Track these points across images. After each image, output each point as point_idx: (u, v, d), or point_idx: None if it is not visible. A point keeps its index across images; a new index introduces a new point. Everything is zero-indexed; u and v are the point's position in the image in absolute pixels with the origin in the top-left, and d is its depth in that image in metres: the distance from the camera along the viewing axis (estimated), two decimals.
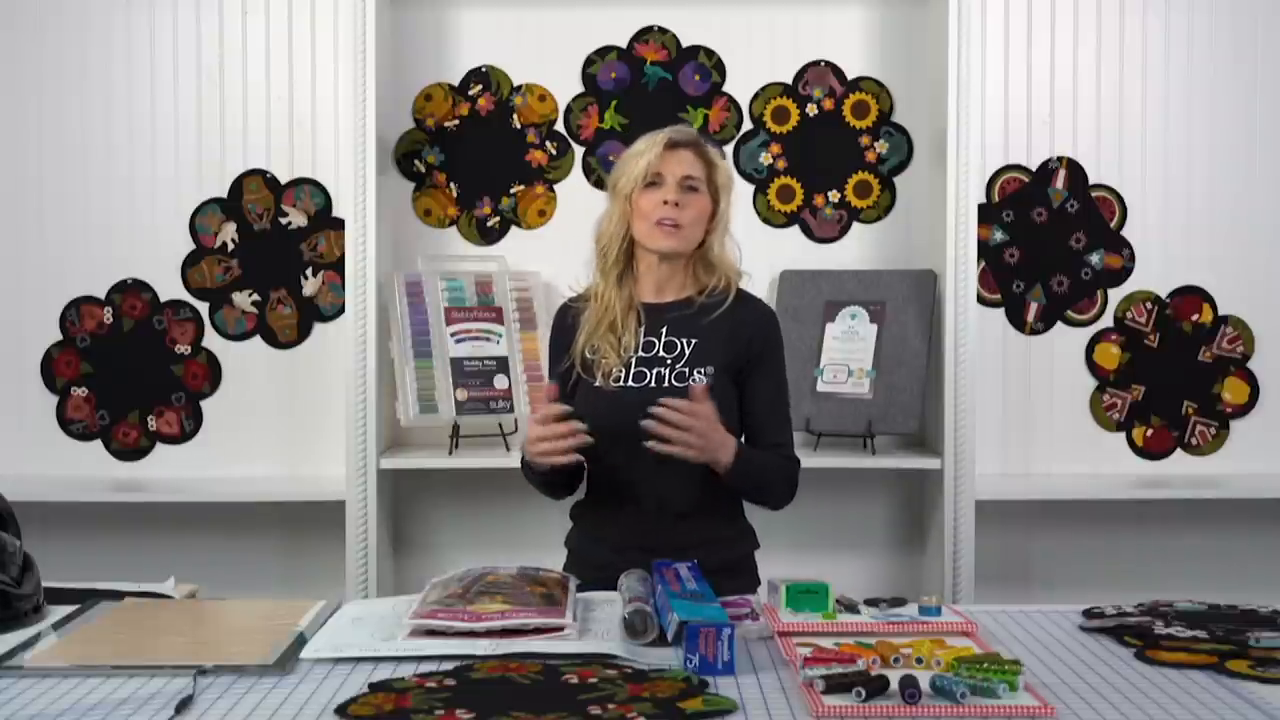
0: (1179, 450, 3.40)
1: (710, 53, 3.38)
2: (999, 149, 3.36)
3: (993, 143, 3.33)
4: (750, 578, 2.29)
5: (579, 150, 3.38)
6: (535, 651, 1.64)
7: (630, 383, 2.23)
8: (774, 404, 2.30)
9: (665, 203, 2.22)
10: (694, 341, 2.25)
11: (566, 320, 2.35)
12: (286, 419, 3.36)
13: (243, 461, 3.36)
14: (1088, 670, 1.63)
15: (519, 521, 3.16)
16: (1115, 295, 3.39)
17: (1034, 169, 3.38)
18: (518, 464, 2.30)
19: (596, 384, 2.25)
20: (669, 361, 2.24)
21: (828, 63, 3.38)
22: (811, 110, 3.38)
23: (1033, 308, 3.39)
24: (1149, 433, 3.40)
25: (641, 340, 2.26)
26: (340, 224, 3.30)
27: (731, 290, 2.29)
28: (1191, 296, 3.39)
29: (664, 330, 2.27)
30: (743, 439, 2.26)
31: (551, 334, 2.40)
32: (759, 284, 3.33)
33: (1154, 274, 3.39)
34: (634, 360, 2.25)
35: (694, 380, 2.20)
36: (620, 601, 1.82)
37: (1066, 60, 3.38)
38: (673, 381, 2.22)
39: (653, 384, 2.22)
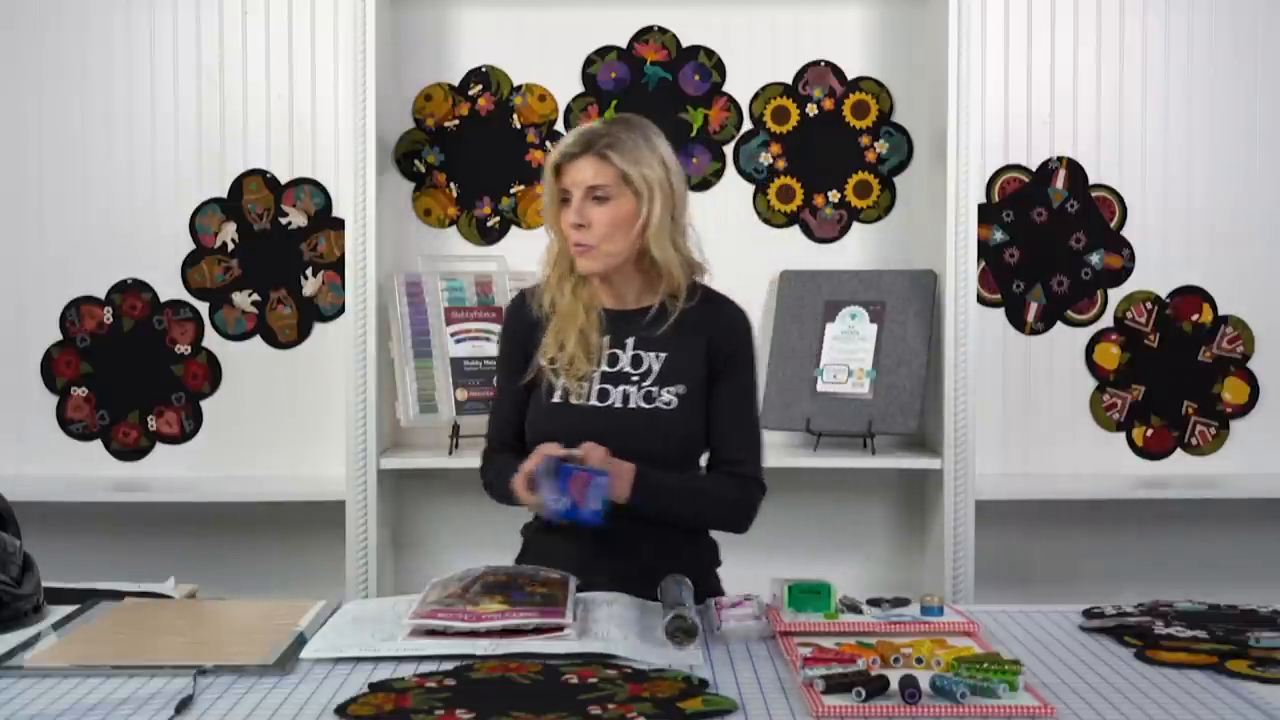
0: (1179, 450, 3.40)
1: (710, 53, 3.38)
2: (999, 149, 3.36)
3: (993, 143, 3.32)
4: (713, 593, 2.14)
5: None
6: (535, 651, 1.64)
7: (595, 401, 2.11)
8: (737, 416, 2.15)
9: (572, 225, 2.09)
10: (663, 357, 2.12)
11: (529, 314, 2.19)
12: (286, 419, 3.36)
13: (243, 461, 3.36)
14: (1088, 670, 1.63)
15: (519, 521, 3.15)
16: (1115, 295, 3.39)
17: (1034, 169, 3.38)
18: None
19: (556, 400, 2.12)
20: (635, 379, 2.12)
21: (828, 63, 3.38)
22: (811, 110, 3.38)
23: (1033, 308, 3.39)
24: (1149, 433, 3.40)
25: (606, 353, 2.13)
26: (340, 224, 3.30)
27: (696, 294, 2.15)
28: (1191, 296, 3.39)
29: (630, 343, 2.14)
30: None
31: (507, 325, 2.25)
32: (759, 284, 3.36)
33: (1154, 274, 3.39)
34: (598, 376, 2.12)
35: (662, 399, 2.10)
36: (664, 605, 1.81)
37: (1066, 60, 3.38)
38: (640, 402, 2.11)
39: (618, 404, 2.11)
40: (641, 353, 2.13)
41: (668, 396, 2.11)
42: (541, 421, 2.13)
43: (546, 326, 2.16)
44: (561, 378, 2.13)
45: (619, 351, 2.14)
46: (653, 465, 2.06)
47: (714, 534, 2.26)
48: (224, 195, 3.36)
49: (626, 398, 2.11)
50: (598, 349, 2.13)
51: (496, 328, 3.24)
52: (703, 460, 2.23)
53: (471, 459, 3.13)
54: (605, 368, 2.13)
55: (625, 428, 2.09)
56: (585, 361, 2.12)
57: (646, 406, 2.10)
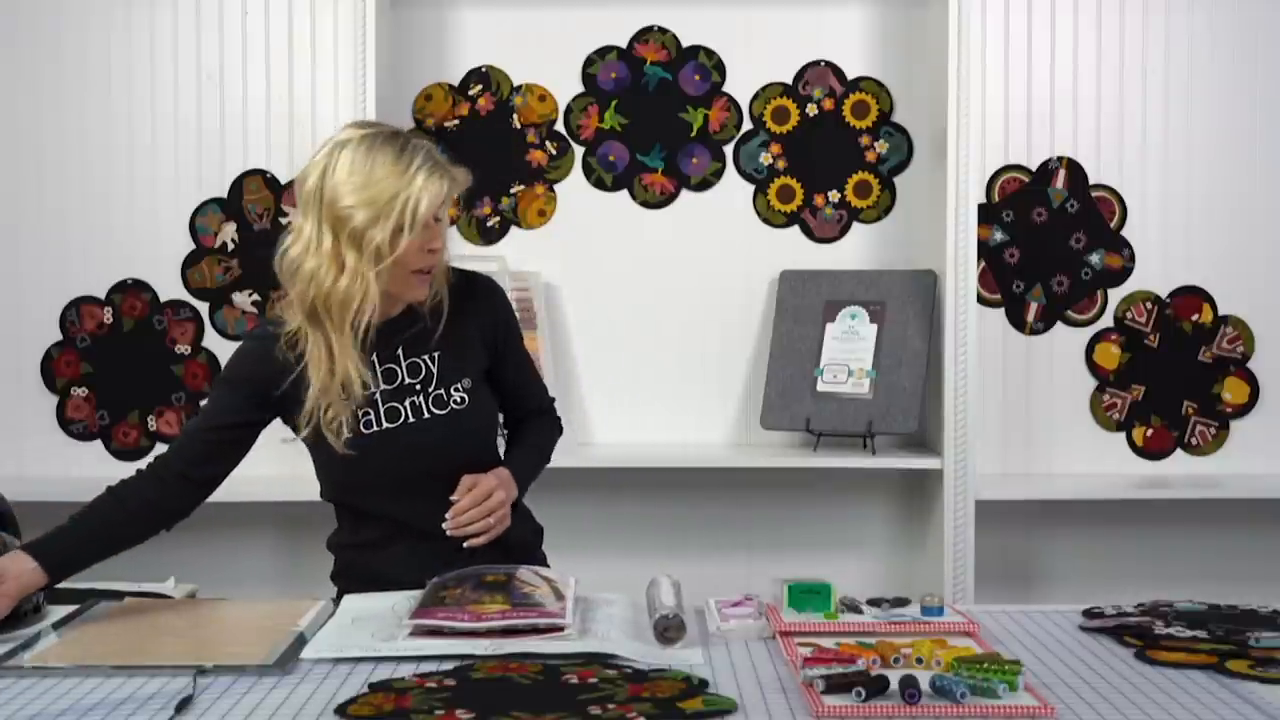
0: (1179, 450, 3.40)
1: (710, 53, 3.38)
2: (999, 149, 3.36)
3: (993, 143, 3.33)
4: (540, 561, 2.20)
5: (579, 150, 3.37)
6: (535, 651, 1.64)
7: (386, 423, 2.03)
8: (530, 374, 2.23)
9: (429, 250, 1.97)
10: (438, 355, 2.06)
11: (272, 362, 2.01)
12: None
13: (243, 461, 3.35)
14: (1088, 670, 1.63)
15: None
16: (1115, 295, 3.39)
17: (1034, 169, 3.38)
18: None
19: (348, 434, 1.99)
20: (418, 387, 2.05)
21: (828, 63, 3.38)
22: (811, 110, 3.38)
23: (1033, 308, 3.39)
24: (1149, 433, 3.40)
25: (381, 369, 2.03)
26: None
27: (449, 278, 2.08)
28: (1191, 296, 3.39)
29: (400, 353, 2.05)
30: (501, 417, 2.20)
31: (248, 365, 2.07)
32: (759, 284, 3.36)
33: (1154, 274, 3.39)
34: (380, 396, 2.02)
35: (454, 399, 2.05)
36: (649, 609, 1.82)
37: (1066, 60, 3.38)
38: (431, 408, 2.04)
39: (410, 417, 2.04)
40: (417, 359, 2.06)
41: (458, 394, 2.06)
42: (347, 464, 2.02)
43: (298, 369, 2.00)
44: (344, 412, 1.99)
45: (394, 366, 2.05)
46: (461, 464, 2.04)
47: (534, 510, 2.26)
48: (224, 195, 3.36)
49: (418, 409, 2.05)
50: (371, 369, 2.01)
51: None
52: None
53: None
54: (385, 386, 2.04)
55: (425, 439, 2.04)
56: (361, 389, 1.99)
57: (441, 412, 2.05)
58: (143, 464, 2.12)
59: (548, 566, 2.16)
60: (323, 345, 1.98)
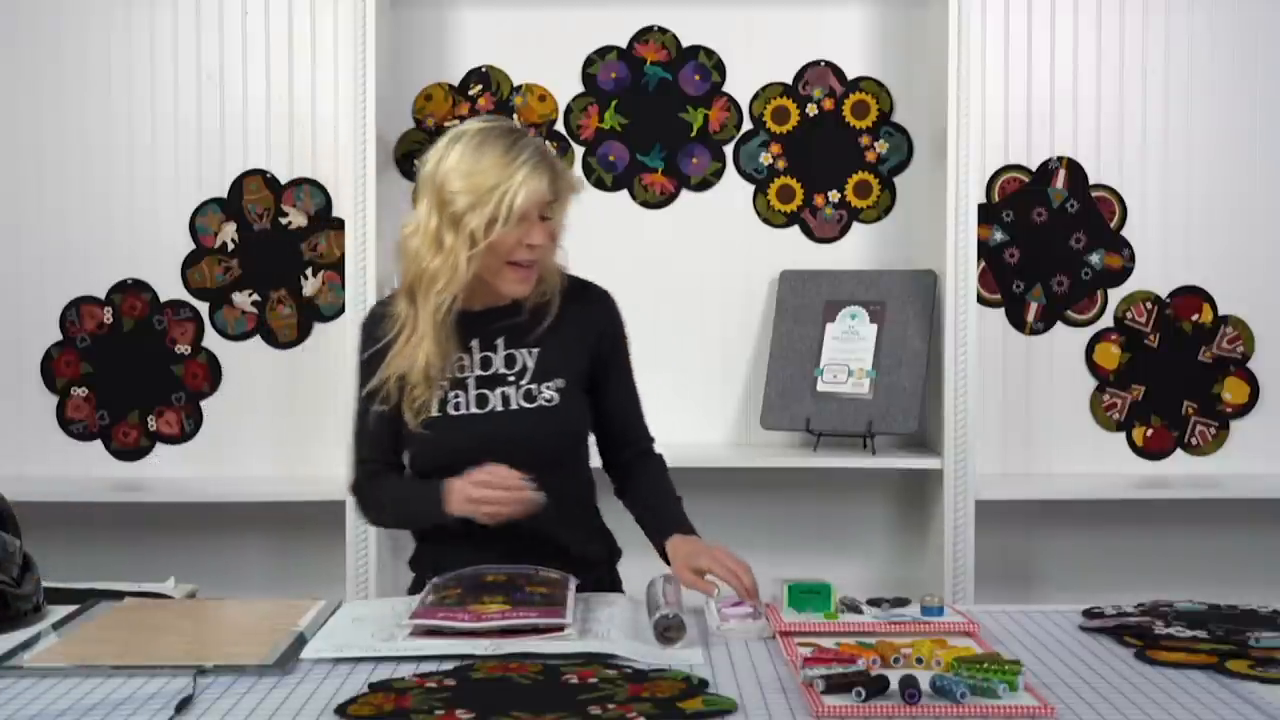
0: (1179, 450, 3.40)
1: (710, 53, 3.38)
2: (999, 149, 3.36)
3: (993, 143, 3.33)
4: (614, 585, 2.18)
5: (579, 150, 3.37)
6: (535, 651, 1.64)
7: (474, 409, 2.05)
8: (630, 398, 2.18)
9: (539, 244, 2.01)
10: (536, 352, 2.07)
11: (385, 331, 2.07)
12: (286, 419, 3.36)
13: (243, 462, 3.36)
14: (1088, 670, 1.63)
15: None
16: (1115, 295, 3.39)
17: (1034, 169, 3.38)
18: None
19: (434, 413, 2.03)
20: (511, 379, 2.06)
21: (828, 63, 3.38)
22: (811, 110, 3.38)
23: (1033, 308, 3.39)
24: (1149, 433, 3.40)
25: (478, 356, 2.07)
26: (340, 224, 3.30)
27: (563, 283, 2.11)
28: (1191, 296, 3.39)
29: (499, 343, 2.07)
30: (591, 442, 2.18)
31: (365, 345, 2.13)
32: (759, 284, 3.36)
33: (1154, 274, 3.39)
34: (473, 381, 2.05)
35: (544, 396, 2.05)
36: (646, 607, 1.83)
37: (1066, 60, 3.38)
38: (520, 402, 2.05)
39: (499, 407, 2.05)
40: (515, 351, 2.08)
41: (549, 393, 2.06)
42: (426, 442, 2.05)
43: (403, 343, 2.05)
44: (433, 391, 2.04)
45: (490, 354, 2.08)
46: (543, 461, 2.02)
47: (611, 526, 2.24)
48: (224, 195, 3.36)
49: (507, 399, 2.06)
50: (465, 354, 2.06)
51: None
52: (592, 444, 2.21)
53: None
54: (480, 372, 2.07)
55: (511, 430, 2.05)
56: (448, 371, 2.04)
57: (529, 406, 2.06)
58: (344, 482, 2.20)
59: (620, 590, 2.15)
60: (411, 323, 2.04)
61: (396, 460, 2.13)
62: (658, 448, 2.24)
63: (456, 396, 2.05)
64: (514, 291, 2.05)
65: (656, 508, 2.16)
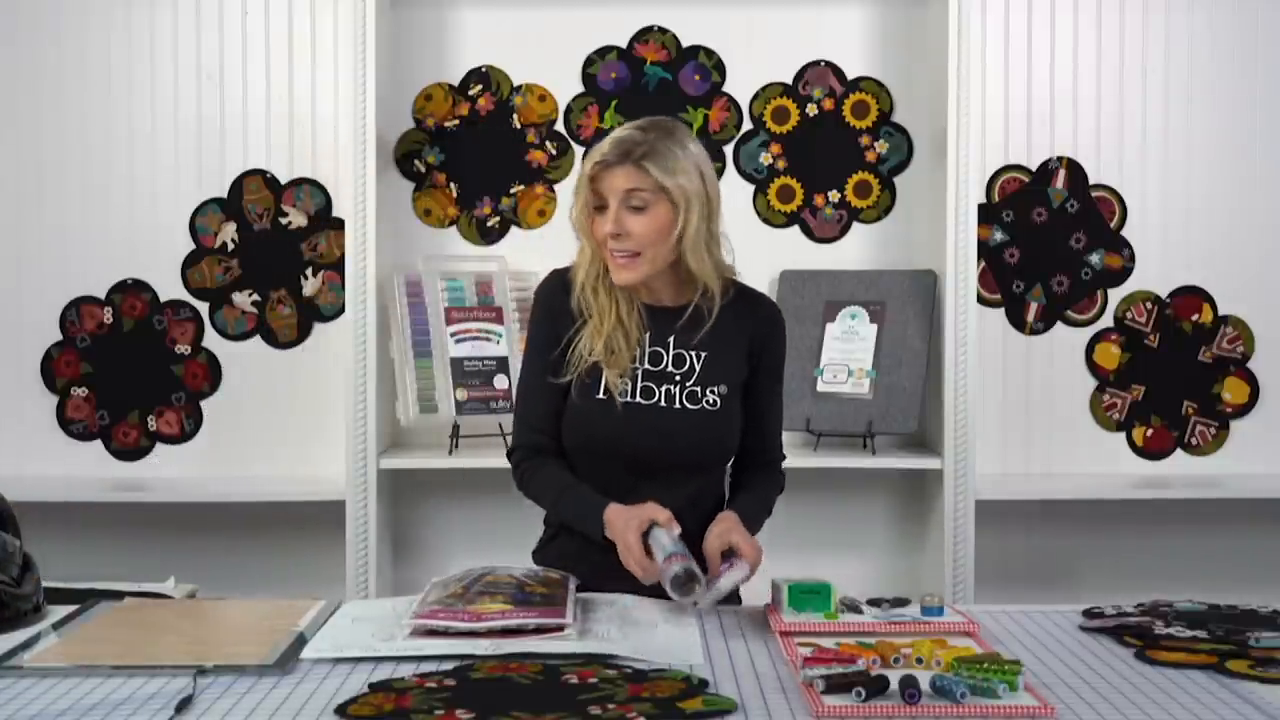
0: (1179, 450, 3.40)
1: (710, 53, 3.38)
2: (999, 149, 3.36)
3: (993, 143, 3.33)
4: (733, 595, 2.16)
5: (579, 150, 3.37)
6: (535, 651, 1.64)
7: (638, 398, 2.07)
8: (777, 411, 2.21)
9: (608, 234, 2.03)
10: (704, 355, 2.10)
11: (567, 299, 2.12)
12: (286, 419, 3.36)
13: (242, 461, 3.36)
14: (1088, 670, 1.63)
15: (519, 521, 3.16)
16: (1115, 295, 3.39)
17: (1034, 169, 3.38)
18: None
19: (600, 396, 2.06)
20: (678, 378, 2.09)
21: (828, 63, 3.38)
22: (811, 110, 3.38)
23: (1033, 308, 3.39)
24: (1149, 433, 3.40)
25: (649, 350, 2.10)
26: (340, 224, 3.30)
27: (730, 290, 2.13)
28: (1191, 296, 3.39)
29: (671, 340, 2.10)
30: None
31: (545, 308, 2.15)
32: (759, 284, 3.34)
33: (1154, 274, 3.39)
34: (640, 373, 2.09)
35: (707, 399, 2.08)
36: (659, 556, 1.87)
37: (1066, 60, 3.38)
38: (684, 401, 2.08)
39: (663, 402, 2.07)
40: (684, 351, 2.10)
41: (712, 397, 2.09)
42: (584, 418, 2.08)
43: (584, 320, 2.10)
44: (605, 373, 2.07)
45: (661, 350, 2.10)
46: (693, 463, 2.08)
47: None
48: (224, 195, 3.37)
49: (670, 397, 2.08)
50: (640, 345, 2.09)
51: (496, 328, 3.24)
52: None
53: (472, 459, 3.14)
54: (648, 366, 2.09)
55: (670, 426, 2.07)
56: (629, 357, 2.08)
57: (692, 406, 2.08)
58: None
59: (738, 602, 2.13)
60: (594, 300, 2.10)
61: (555, 443, 2.13)
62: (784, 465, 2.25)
63: (624, 384, 2.07)
64: (618, 279, 2.07)
65: (737, 499, 2.16)
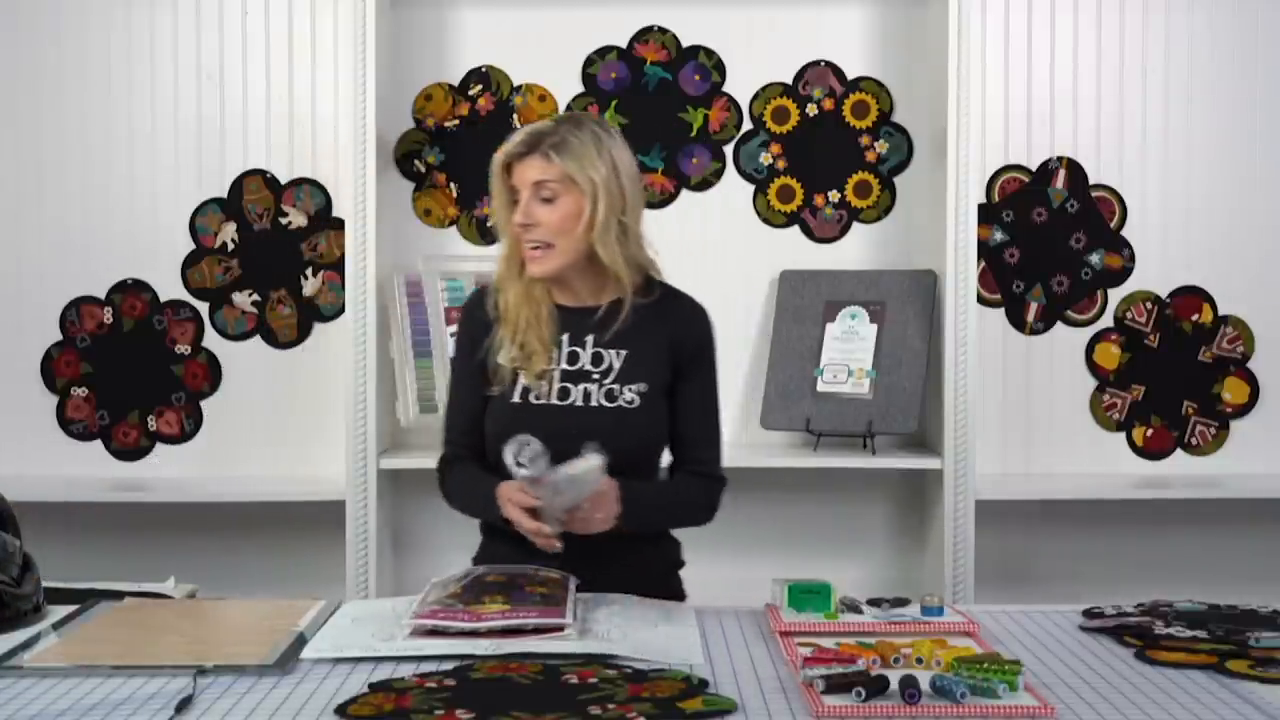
0: (1179, 450, 3.40)
1: (710, 53, 3.38)
2: (999, 149, 3.36)
3: (993, 143, 3.33)
4: (674, 595, 2.14)
5: None
6: (535, 651, 1.64)
7: (554, 399, 2.08)
8: (703, 416, 2.15)
9: (518, 224, 2.06)
10: (623, 354, 2.09)
11: (485, 313, 2.14)
12: (286, 419, 3.36)
13: (243, 461, 3.36)
14: (1088, 670, 1.63)
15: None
16: (1115, 295, 3.39)
17: (1034, 169, 3.38)
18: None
19: (515, 400, 2.08)
20: (596, 377, 2.08)
21: (828, 63, 3.38)
22: (811, 110, 3.38)
23: (1033, 308, 3.39)
24: (1149, 433, 3.40)
25: (566, 350, 2.10)
26: (340, 224, 3.30)
27: (655, 290, 2.13)
28: (1191, 296, 3.39)
29: (589, 339, 2.10)
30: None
31: (464, 324, 2.19)
32: (759, 284, 3.36)
33: (1154, 274, 3.39)
34: (558, 374, 2.09)
35: (624, 398, 2.06)
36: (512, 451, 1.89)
37: (1066, 60, 3.38)
38: (602, 400, 2.07)
39: (579, 401, 2.07)
40: (602, 350, 2.10)
41: (630, 395, 2.08)
42: (502, 422, 2.07)
43: (500, 325, 2.12)
44: (520, 377, 2.09)
45: (579, 349, 2.10)
46: (616, 464, 1.99)
47: (676, 533, 2.24)
48: (224, 195, 3.36)
49: (588, 396, 2.08)
50: (555, 346, 2.09)
51: None
52: (664, 457, 2.19)
53: None
54: (565, 365, 2.09)
55: (588, 426, 2.04)
56: (544, 359, 2.08)
57: (609, 405, 2.07)
58: (432, 460, 2.22)
59: (682, 598, 2.14)
60: (510, 299, 2.13)
61: (478, 448, 2.14)
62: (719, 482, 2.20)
63: (540, 385, 2.08)
64: (530, 271, 2.08)
65: (641, 482, 2.11)
